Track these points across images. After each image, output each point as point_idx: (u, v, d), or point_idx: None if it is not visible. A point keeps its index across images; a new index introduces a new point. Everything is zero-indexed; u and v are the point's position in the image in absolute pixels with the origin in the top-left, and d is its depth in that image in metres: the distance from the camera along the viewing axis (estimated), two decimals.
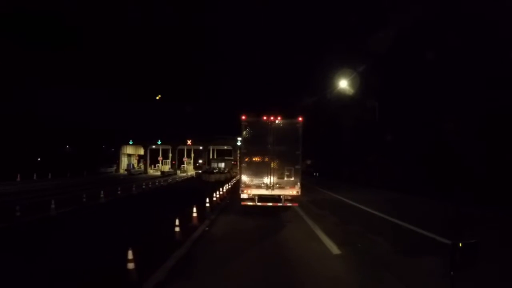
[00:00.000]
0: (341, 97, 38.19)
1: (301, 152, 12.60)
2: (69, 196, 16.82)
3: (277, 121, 12.56)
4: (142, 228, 9.71)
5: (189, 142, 50.09)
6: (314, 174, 52.56)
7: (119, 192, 17.87)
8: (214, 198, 14.98)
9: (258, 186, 12.41)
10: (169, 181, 27.86)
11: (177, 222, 8.77)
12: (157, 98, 55.12)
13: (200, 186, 25.43)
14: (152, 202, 16.08)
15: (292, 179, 12.34)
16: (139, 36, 68.37)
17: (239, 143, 51.88)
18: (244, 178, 12.62)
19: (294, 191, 12.33)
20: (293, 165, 12.46)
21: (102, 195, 16.00)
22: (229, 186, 21.36)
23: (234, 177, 34.71)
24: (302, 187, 12.67)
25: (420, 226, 10.09)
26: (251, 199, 12.56)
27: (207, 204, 12.92)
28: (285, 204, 12.54)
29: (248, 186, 12.48)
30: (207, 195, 14.71)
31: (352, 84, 31.93)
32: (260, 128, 12.68)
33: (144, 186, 21.58)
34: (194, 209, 10.64)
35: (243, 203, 12.69)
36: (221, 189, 17.71)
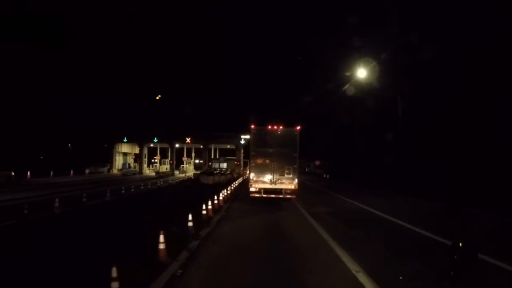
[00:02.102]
0: (355, 92, 34.63)
1: (298, 155, 15.32)
2: (15, 204, 12.87)
3: (279, 130, 15.32)
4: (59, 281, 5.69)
5: (188, 140, 45.91)
6: (325, 175, 48.31)
7: (84, 199, 13.85)
8: (204, 212, 10.90)
9: (264, 181, 15.10)
10: (159, 184, 23.72)
11: (114, 272, 4.74)
12: (157, 98, 52.05)
13: (194, 191, 21.48)
14: (117, 217, 11.92)
15: (291, 176, 15.04)
16: (138, 36, 65.93)
17: (242, 142, 48.21)
18: (253, 175, 15.42)
19: (292, 186, 15.00)
20: (292, 165, 15.14)
21: (57, 204, 12.06)
22: (228, 192, 17.31)
23: (237, 179, 30.62)
24: (299, 184, 15.48)
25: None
26: (258, 192, 15.12)
27: (190, 223, 8.88)
28: (285, 196, 15.02)
29: (256, 182, 15.17)
30: (197, 205, 10.95)
31: (369, 75, 27.90)
32: (265, 135, 15.34)
33: (123, 191, 17.49)
34: (161, 238, 6.60)
35: (251, 195, 15.29)
36: (215, 196, 13.68)
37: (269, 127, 15.34)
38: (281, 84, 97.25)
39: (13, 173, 25.80)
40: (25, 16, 41.84)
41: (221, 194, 14.87)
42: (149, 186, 21.48)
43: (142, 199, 17.01)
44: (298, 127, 15.29)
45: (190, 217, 8.87)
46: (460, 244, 2.35)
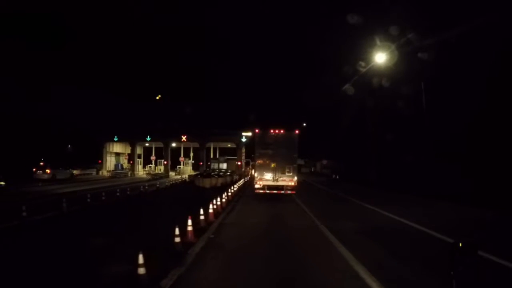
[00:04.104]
0: (368, 82, 30.93)
1: (297, 155, 17.76)
2: None
3: (280, 133, 17.44)
4: None
5: (183, 138, 41.96)
6: (334, 176, 44.28)
7: (24, 214, 10.04)
8: (178, 239, 7.04)
9: (267, 179, 17.18)
10: (142, 189, 19.83)
11: None
12: (157, 98, 48.58)
13: (182, 199, 17.93)
14: (52, 243, 8.09)
15: (291, 174, 17.19)
16: (138, 36, 63.21)
17: (243, 139, 44.33)
18: (257, 173, 17.67)
19: (292, 182, 17.07)
20: (291, 164, 17.39)
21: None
22: (223, 200, 13.48)
23: (238, 181, 26.80)
24: (298, 181, 17.83)
25: None
26: (262, 188, 17.20)
27: (141, 269, 5.03)
28: (286, 192, 17.08)
29: (260, 179, 17.28)
30: (176, 221, 7.29)
31: (389, 60, 24.09)
32: (268, 138, 17.48)
33: (89, 199, 13.65)
34: None
35: (256, 191, 17.38)
36: (202, 210, 9.85)
37: (271, 131, 17.36)
38: (284, 82, 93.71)
39: (74, 171, 32.12)
40: (25, 16, 40.19)
41: (211, 205, 11.01)
42: (128, 192, 17.60)
43: (106, 211, 13.13)
44: (297, 131, 17.60)
45: (140, 258, 5.01)
46: (460, 244, 2.24)
